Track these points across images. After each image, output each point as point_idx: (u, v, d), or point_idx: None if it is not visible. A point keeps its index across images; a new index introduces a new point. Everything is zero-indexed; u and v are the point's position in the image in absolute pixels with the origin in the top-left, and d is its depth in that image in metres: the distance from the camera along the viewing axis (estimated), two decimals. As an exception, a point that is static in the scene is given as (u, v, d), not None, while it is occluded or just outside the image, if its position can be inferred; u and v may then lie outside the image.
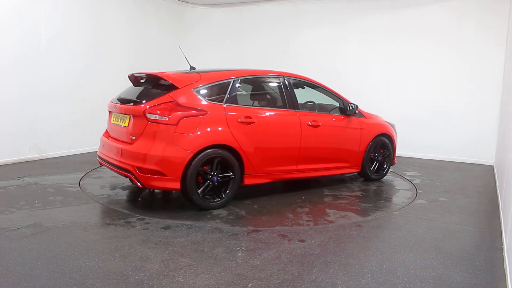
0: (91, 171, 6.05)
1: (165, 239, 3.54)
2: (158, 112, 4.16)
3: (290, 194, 5.22)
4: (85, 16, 7.36)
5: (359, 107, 5.74)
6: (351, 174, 6.31)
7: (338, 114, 5.55)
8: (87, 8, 7.37)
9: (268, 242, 3.56)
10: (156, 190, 5.12)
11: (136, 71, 5.15)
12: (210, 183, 4.35)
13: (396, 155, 6.41)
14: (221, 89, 4.60)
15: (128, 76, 4.94)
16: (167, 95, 4.29)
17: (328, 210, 4.58)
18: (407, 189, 5.68)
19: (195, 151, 4.17)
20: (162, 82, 4.50)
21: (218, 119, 4.41)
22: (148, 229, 3.78)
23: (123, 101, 4.64)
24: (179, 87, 4.36)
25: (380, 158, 6.02)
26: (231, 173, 4.47)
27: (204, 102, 4.39)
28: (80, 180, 5.51)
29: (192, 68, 5.07)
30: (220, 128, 4.39)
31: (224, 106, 4.50)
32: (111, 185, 5.32)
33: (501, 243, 3.71)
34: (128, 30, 8.31)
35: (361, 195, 5.33)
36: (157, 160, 4.09)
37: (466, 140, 7.77)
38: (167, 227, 3.84)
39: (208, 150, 4.27)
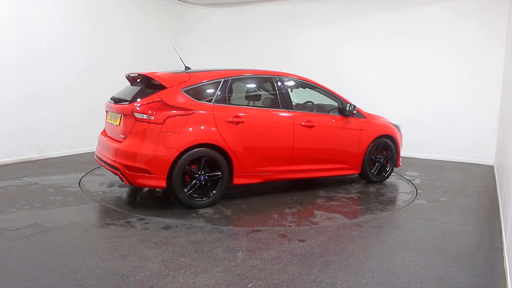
0: (91, 171, 6.05)
1: (165, 239, 3.54)
2: (145, 111, 4.26)
3: (283, 194, 5.20)
4: (85, 16, 7.36)
5: (359, 107, 5.70)
6: (353, 176, 6.21)
7: (337, 115, 5.48)
8: (87, 8, 7.37)
9: (268, 242, 3.56)
10: (156, 190, 5.12)
11: (136, 71, 5.18)
12: (197, 182, 4.39)
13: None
14: (210, 89, 4.64)
15: (125, 76, 5.02)
16: (155, 94, 4.38)
17: (316, 212, 4.51)
18: (407, 189, 5.67)
19: (180, 150, 4.24)
20: (153, 82, 4.58)
21: (206, 118, 4.45)
22: (148, 229, 3.78)
23: (116, 100, 4.76)
24: (167, 86, 4.44)
25: (382, 160, 5.89)
26: (220, 173, 4.49)
27: (192, 102, 4.44)
28: (80, 180, 5.51)
29: (187, 68, 5.13)
30: (207, 128, 4.43)
31: (212, 105, 4.54)
32: (111, 185, 5.32)
33: (501, 243, 3.71)
34: (128, 30, 8.31)
35: (356, 197, 5.25)
36: (143, 159, 4.18)
37: (466, 140, 7.76)
38: (167, 227, 3.84)
39: (195, 149, 4.32)
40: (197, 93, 4.54)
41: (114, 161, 4.38)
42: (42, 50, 6.67)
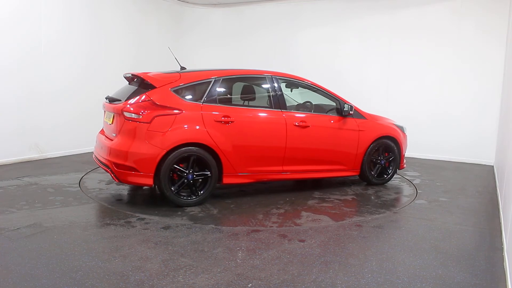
0: (91, 171, 6.05)
1: (165, 239, 3.54)
2: (132, 110, 4.34)
3: (275, 195, 5.17)
4: (85, 17, 7.36)
5: (359, 107, 5.67)
6: (354, 178, 6.05)
7: (335, 115, 5.38)
8: (87, 9, 7.37)
9: (268, 242, 3.56)
10: (156, 190, 5.12)
11: (136, 71, 5.19)
12: (185, 181, 4.42)
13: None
14: (200, 89, 4.67)
15: (123, 76, 5.10)
16: (144, 94, 4.45)
17: (303, 213, 4.44)
18: (407, 189, 5.67)
19: (167, 149, 4.29)
20: (145, 82, 4.63)
21: (194, 118, 4.48)
22: (148, 229, 3.78)
23: (110, 99, 4.82)
24: (156, 86, 4.51)
25: (383, 162, 5.73)
26: (208, 172, 4.51)
27: (181, 102, 4.48)
28: (80, 180, 5.51)
29: (182, 68, 5.16)
30: (195, 127, 4.46)
31: (202, 105, 4.57)
32: (111, 185, 5.32)
33: (501, 243, 3.71)
34: (128, 30, 8.31)
35: (351, 199, 5.12)
36: (132, 157, 4.26)
37: (466, 140, 7.76)
38: (167, 227, 3.84)
39: (182, 148, 4.37)
40: (186, 93, 4.60)
41: (105, 158, 4.49)
42: (42, 50, 6.67)
